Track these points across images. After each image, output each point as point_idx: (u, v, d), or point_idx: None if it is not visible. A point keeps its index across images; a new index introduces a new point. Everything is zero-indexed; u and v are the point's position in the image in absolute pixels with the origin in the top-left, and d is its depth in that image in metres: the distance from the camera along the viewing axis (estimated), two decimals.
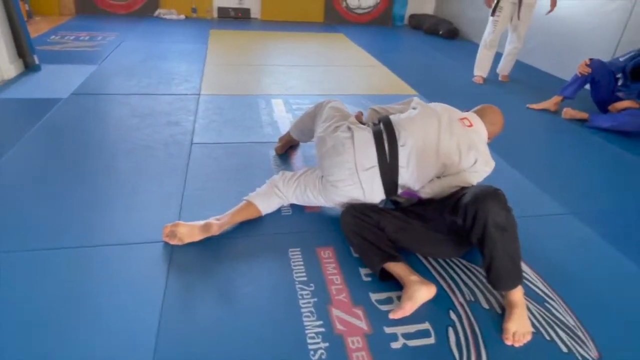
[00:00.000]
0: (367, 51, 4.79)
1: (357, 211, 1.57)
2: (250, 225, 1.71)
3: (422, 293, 1.34)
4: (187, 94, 3.06)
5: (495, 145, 1.97)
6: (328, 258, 1.57)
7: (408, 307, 1.31)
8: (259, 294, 1.39)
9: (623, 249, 1.74)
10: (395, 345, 1.25)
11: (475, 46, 4.17)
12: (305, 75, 3.77)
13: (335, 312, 1.34)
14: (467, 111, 1.78)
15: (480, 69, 4.00)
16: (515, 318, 1.30)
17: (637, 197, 2.20)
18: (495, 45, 3.89)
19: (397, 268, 1.42)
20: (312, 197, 1.74)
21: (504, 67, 4.04)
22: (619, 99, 3.03)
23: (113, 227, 1.64)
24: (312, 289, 1.42)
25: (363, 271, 1.51)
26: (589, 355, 1.26)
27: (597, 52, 3.67)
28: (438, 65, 4.60)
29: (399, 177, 1.59)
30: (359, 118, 1.97)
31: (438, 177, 1.62)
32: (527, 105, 3.38)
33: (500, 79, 4.07)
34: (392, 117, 1.69)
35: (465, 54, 4.88)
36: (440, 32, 5.81)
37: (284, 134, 2.33)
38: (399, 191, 1.65)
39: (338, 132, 1.67)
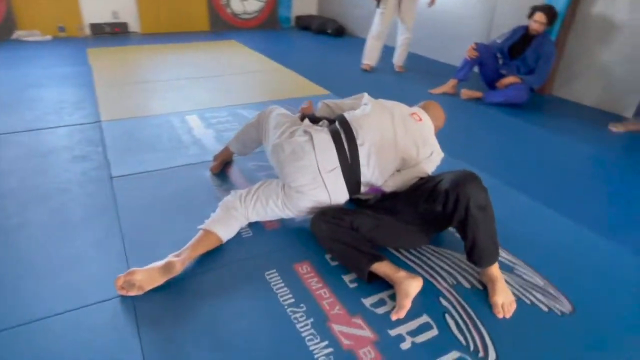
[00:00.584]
0: (265, 55, 4.73)
1: (329, 216, 1.53)
2: (213, 256, 1.56)
3: (413, 287, 1.36)
4: (84, 123, 2.69)
5: None
6: (307, 273, 1.50)
7: (407, 304, 1.31)
8: (251, 329, 1.27)
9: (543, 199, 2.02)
10: (405, 345, 1.24)
11: (363, 41, 4.41)
12: (211, 86, 3.59)
13: (337, 328, 1.28)
14: (413, 107, 1.86)
15: (369, 58, 4.24)
16: (499, 291, 1.38)
17: (535, 152, 2.62)
18: (383, 37, 4.12)
19: (382, 267, 1.41)
20: (277, 209, 1.65)
21: (399, 58, 4.30)
22: (503, 76, 3.43)
23: (52, 293, 1.37)
24: (304, 309, 1.35)
25: (347, 278, 1.48)
26: (564, 309, 1.39)
27: (475, 37, 4.11)
28: (334, 62, 4.75)
29: (362, 175, 1.59)
30: (308, 109, 1.93)
31: (398, 171, 1.65)
32: (429, 91, 3.65)
33: (396, 69, 4.33)
34: (346, 115, 1.68)
35: (356, 49, 5.12)
36: (329, 31, 5.99)
37: (220, 151, 2.17)
38: (363, 189, 1.65)
39: (295, 136, 1.60)
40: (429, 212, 1.47)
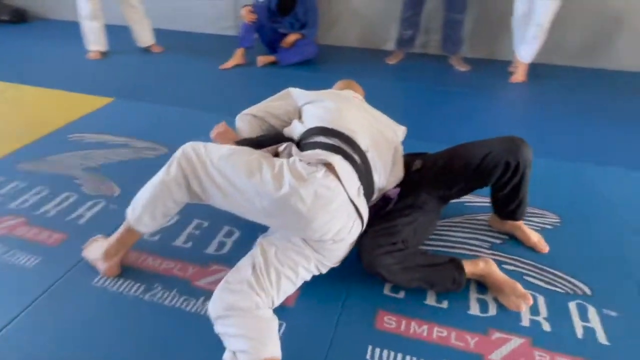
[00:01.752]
0: None
1: (383, 247, 1.25)
2: None
3: (495, 269, 1.32)
4: None
5: None
6: (393, 321, 1.22)
7: (518, 286, 1.27)
8: None
9: None
10: (546, 326, 1.22)
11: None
12: None
13: (495, 356, 1.13)
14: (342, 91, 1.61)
15: (94, 43, 3.46)
16: (530, 232, 1.51)
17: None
18: (99, 15, 3.36)
19: (467, 267, 1.30)
20: (308, 275, 1.24)
21: (143, 35, 3.56)
22: (282, 36, 3.39)
23: None
24: None
25: (442, 304, 1.28)
26: (555, 222, 1.66)
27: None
28: (49, 56, 3.53)
29: (374, 184, 1.33)
30: (227, 134, 1.43)
31: (393, 164, 1.45)
32: (220, 67, 3.25)
33: (152, 49, 3.60)
34: (324, 123, 1.31)
35: (62, 34, 3.98)
36: (4, 17, 4.29)
37: (112, 242, 1.35)
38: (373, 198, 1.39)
39: (307, 176, 1.15)
40: (466, 190, 1.41)
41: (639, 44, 3.21)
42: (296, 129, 1.40)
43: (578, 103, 2.77)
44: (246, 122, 1.51)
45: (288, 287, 1.20)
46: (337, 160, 1.19)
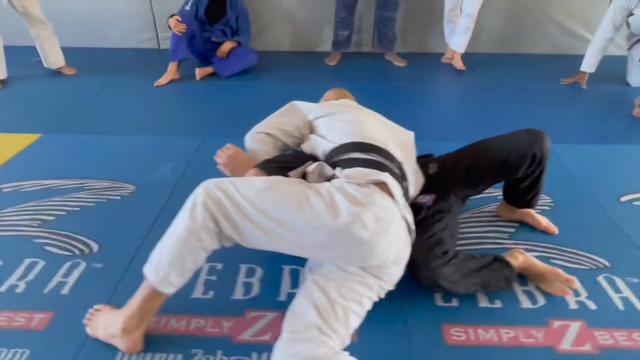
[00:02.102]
0: None
1: (440, 257, 1.21)
2: None
3: (532, 258, 1.37)
4: None
5: None
6: (463, 332, 1.19)
7: (560, 271, 1.33)
8: None
9: None
10: (590, 305, 1.29)
11: None
12: None
13: (565, 345, 1.16)
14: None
15: None
16: (539, 216, 1.59)
17: None
18: None
19: (511, 262, 1.32)
20: (370, 303, 1.14)
21: (51, 56, 3.09)
22: (217, 43, 3.17)
23: None
24: None
25: (495, 304, 1.28)
26: (549, 203, 1.77)
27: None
28: None
29: (409, 195, 1.29)
30: (238, 157, 1.31)
31: (416, 171, 1.42)
32: (155, 84, 2.94)
33: (63, 72, 3.13)
34: (354, 137, 1.24)
35: None
36: None
37: (109, 308, 1.14)
38: None
39: (363, 199, 1.05)
40: (489, 185, 1.44)
41: (550, 29, 3.59)
42: (320, 146, 1.30)
43: (512, 87, 3.02)
44: (258, 142, 1.37)
45: (355, 322, 1.11)
46: (388, 178, 1.12)
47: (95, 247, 1.49)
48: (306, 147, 1.36)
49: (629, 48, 2.91)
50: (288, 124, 1.41)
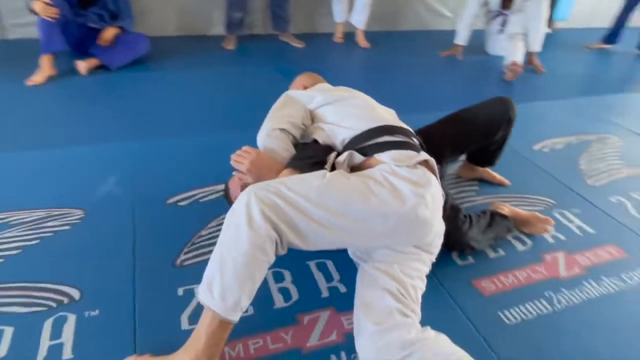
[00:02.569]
0: None
1: (463, 222, 1.33)
2: None
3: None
4: None
5: None
6: (491, 282, 1.35)
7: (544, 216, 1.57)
8: None
9: None
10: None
11: None
12: None
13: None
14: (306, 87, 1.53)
15: None
16: (494, 172, 1.83)
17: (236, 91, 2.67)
18: None
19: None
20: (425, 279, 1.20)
21: None
22: (95, 30, 2.70)
23: None
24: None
25: (499, 252, 1.46)
26: None
27: None
28: None
29: None
30: (255, 158, 1.23)
31: None
32: (28, 83, 2.36)
33: None
34: (379, 120, 1.25)
35: None
36: None
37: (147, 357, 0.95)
38: None
39: (420, 180, 1.08)
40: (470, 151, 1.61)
41: (418, 8, 3.99)
42: (339, 135, 1.27)
43: (402, 62, 3.32)
44: (275, 139, 1.25)
45: (420, 298, 1.15)
46: (429, 157, 1.17)
47: (75, 292, 1.19)
48: (320, 137, 1.30)
49: (487, 22, 3.46)
50: (295, 116, 1.32)
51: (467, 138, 1.56)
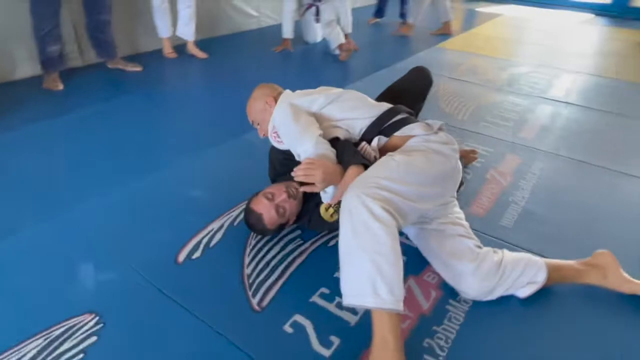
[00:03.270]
0: None
1: None
2: None
3: None
4: None
5: None
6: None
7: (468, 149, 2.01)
8: None
9: None
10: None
11: None
12: None
13: None
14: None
15: None
16: None
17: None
18: None
19: None
20: None
21: None
22: None
23: None
24: None
25: None
26: None
27: None
28: None
29: None
30: (326, 162, 1.32)
31: None
32: None
33: None
34: (378, 105, 1.47)
35: None
36: None
37: None
38: None
39: (449, 140, 1.33)
40: None
41: (231, 12, 4.07)
42: (357, 125, 1.42)
43: (243, 64, 3.42)
44: (323, 144, 1.31)
45: None
46: (438, 122, 1.41)
47: None
48: (341, 134, 1.39)
49: (302, 14, 3.83)
50: (314, 120, 1.38)
51: (409, 104, 1.86)
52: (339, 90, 1.53)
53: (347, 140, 1.39)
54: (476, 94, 2.90)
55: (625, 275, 1.30)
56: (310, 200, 1.47)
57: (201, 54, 3.41)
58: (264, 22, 4.45)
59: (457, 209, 1.42)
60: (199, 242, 1.47)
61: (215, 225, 1.56)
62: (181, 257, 1.40)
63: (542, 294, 1.27)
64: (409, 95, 1.78)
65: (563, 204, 1.76)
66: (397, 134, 1.37)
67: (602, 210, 1.73)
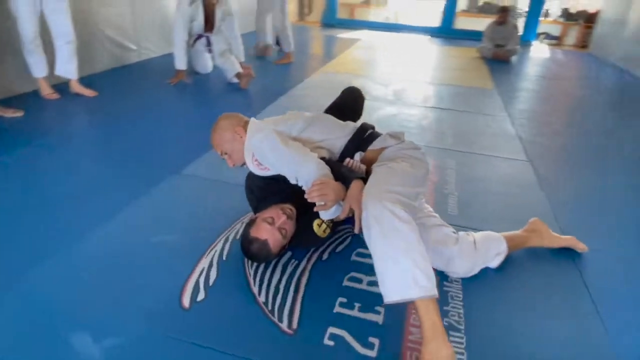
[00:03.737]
0: None
1: None
2: None
3: None
4: None
5: None
6: None
7: None
8: None
9: None
10: None
11: None
12: None
13: None
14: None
15: None
16: None
17: None
18: None
19: None
20: None
21: None
22: None
23: None
24: None
25: None
26: None
27: None
28: None
29: None
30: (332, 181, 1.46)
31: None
32: None
33: None
34: (347, 124, 1.63)
35: None
36: None
37: None
38: None
39: (416, 147, 1.54)
40: None
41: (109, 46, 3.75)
42: (337, 144, 1.55)
43: (139, 100, 3.24)
44: (322, 165, 1.39)
45: None
46: (400, 131, 1.62)
47: None
48: (326, 155, 1.49)
49: (192, 45, 3.76)
50: (301, 144, 1.45)
51: (354, 119, 2.04)
52: (310, 114, 1.64)
53: (334, 160, 1.50)
54: (374, 107, 3.26)
55: (554, 234, 1.67)
56: (300, 219, 1.53)
57: (89, 92, 3.10)
58: (144, 55, 4.24)
59: (425, 203, 1.64)
60: (197, 284, 1.40)
61: (203, 264, 1.49)
62: (186, 302, 1.32)
63: (506, 262, 1.56)
64: (349, 112, 1.96)
65: (481, 188, 2.14)
66: (371, 147, 1.54)
67: (503, 186, 2.17)
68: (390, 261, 1.16)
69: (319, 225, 1.51)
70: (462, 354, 1.21)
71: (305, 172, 1.37)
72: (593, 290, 1.48)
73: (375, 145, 1.54)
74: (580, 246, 1.66)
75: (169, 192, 1.96)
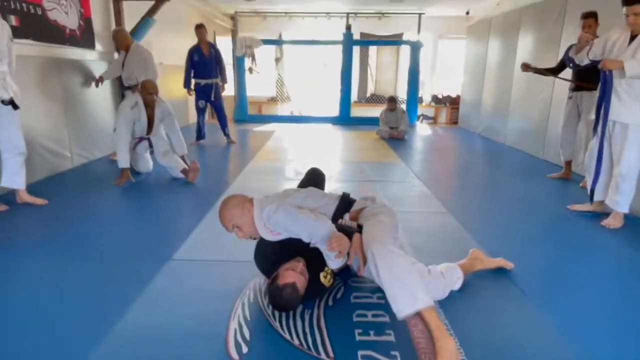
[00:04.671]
0: None
1: None
2: None
3: None
4: None
5: None
6: None
7: None
8: None
9: None
10: None
11: None
12: None
13: None
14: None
15: None
16: None
17: None
18: None
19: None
20: None
21: None
22: None
23: None
24: None
25: None
26: None
27: None
28: None
29: None
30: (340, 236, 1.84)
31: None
32: None
33: None
34: (330, 194, 2.06)
35: None
36: None
37: None
38: None
39: (384, 203, 2.02)
40: None
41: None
42: (329, 209, 1.96)
43: (96, 202, 3.31)
44: (332, 224, 1.77)
45: None
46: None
47: None
48: (324, 216, 1.89)
49: (134, 147, 3.95)
50: (308, 212, 1.82)
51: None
52: (302, 189, 2.04)
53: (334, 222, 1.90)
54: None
55: (490, 258, 2.22)
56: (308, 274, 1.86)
57: (39, 201, 3.10)
58: (77, 161, 4.29)
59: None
60: (236, 341, 1.60)
61: (233, 325, 1.70)
62: (234, 354, 1.52)
63: (463, 284, 2.03)
64: (317, 186, 2.42)
65: (424, 235, 2.68)
66: (353, 208, 1.98)
67: (440, 231, 2.74)
68: (398, 285, 1.55)
69: (325, 277, 1.85)
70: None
71: (324, 232, 1.74)
72: (529, 293, 2.01)
73: (356, 206, 1.98)
74: (509, 264, 2.22)
75: (167, 285, 2.12)
